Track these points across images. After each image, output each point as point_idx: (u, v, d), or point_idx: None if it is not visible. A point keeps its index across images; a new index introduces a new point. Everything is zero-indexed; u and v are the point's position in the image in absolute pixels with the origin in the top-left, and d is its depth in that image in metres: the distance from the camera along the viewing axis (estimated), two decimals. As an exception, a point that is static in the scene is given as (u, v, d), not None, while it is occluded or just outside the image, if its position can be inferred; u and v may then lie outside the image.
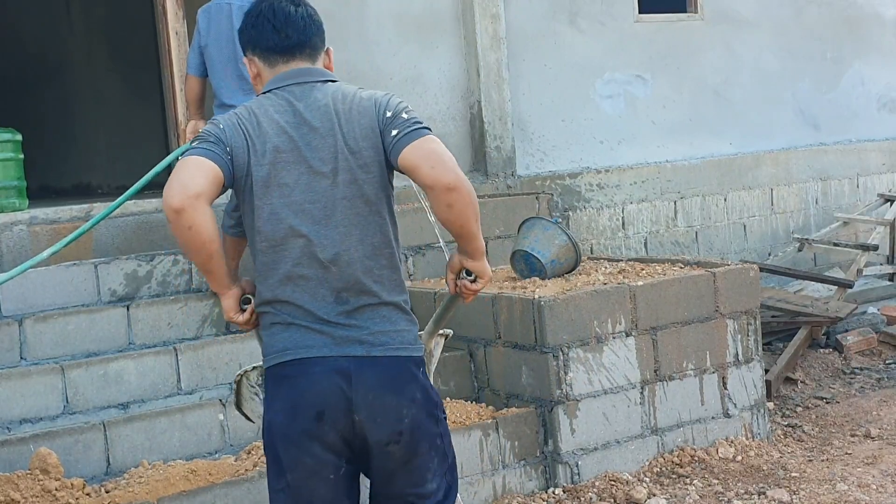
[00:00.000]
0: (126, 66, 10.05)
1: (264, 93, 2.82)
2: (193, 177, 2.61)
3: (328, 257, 2.70)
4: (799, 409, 6.21)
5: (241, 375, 3.34)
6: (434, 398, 2.84)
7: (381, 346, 2.72)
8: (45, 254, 4.60)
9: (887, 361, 7.04)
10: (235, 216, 5.49)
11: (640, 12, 8.30)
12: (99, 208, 6.08)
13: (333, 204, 2.71)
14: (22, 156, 6.32)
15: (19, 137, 6.30)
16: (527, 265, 5.45)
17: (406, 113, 2.74)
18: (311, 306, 2.71)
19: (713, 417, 5.26)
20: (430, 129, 2.74)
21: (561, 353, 4.79)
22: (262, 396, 3.37)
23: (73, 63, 10.92)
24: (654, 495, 4.69)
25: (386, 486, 2.81)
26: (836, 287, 7.61)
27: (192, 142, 2.77)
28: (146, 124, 9.35)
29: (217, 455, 4.71)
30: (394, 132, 2.70)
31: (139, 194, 5.14)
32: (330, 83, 2.81)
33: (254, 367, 3.45)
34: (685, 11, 8.67)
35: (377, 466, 2.78)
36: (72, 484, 4.20)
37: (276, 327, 2.75)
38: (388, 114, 2.74)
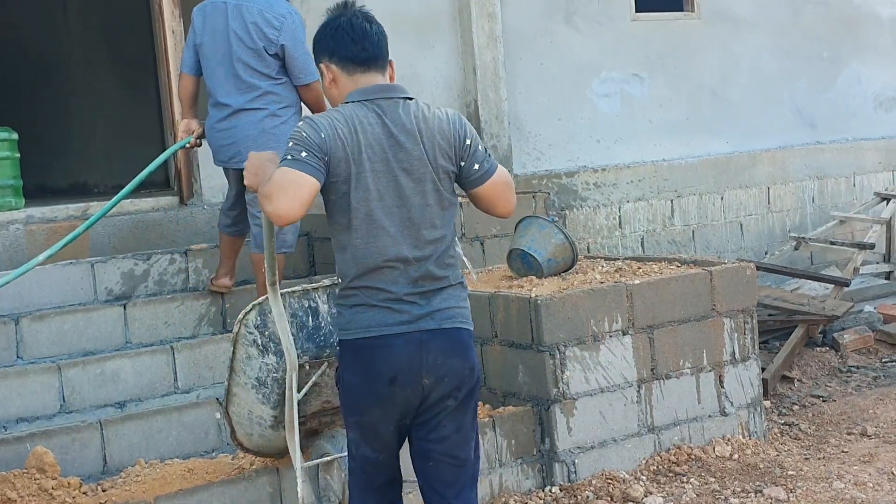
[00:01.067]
0: (123, 65, 10.03)
1: (352, 102, 3.18)
2: (299, 197, 3.00)
3: (413, 255, 3.16)
4: (796, 407, 6.22)
5: (240, 323, 3.65)
6: (480, 373, 3.35)
7: (449, 320, 3.21)
8: (42, 257, 4.59)
9: (884, 360, 7.04)
10: (232, 216, 5.54)
11: (636, 11, 8.30)
12: (95, 207, 6.10)
13: (418, 209, 3.16)
14: (18, 155, 6.32)
15: (15, 136, 6.30)
16: (523, 264, 5.45)
17: (480, 144, 3.28)
18: (394, 290, 3.16)
19: (710, 416, 5.26)
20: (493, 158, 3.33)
21: (557, 351, 4.79)
22: (260, 342, 3.70)
23: (69, 62, 10.90)
24: (651, 493, 4.70)
25: (438, 443, 3.24)
26: (833, 285, 7.62)
27: (290, 143, 3.06)
28: (143, 123, 9.33)
29: (214, 454, 4.70)
30: (476, 166, 3.24)
31: (135, 193, 5.13)
32: (409, 101, 3.21)
33: (252, 308, 3.56)
34: (682, 11, 8.67)
35: (432, 424, 3.23)
36: (68, 483, 4.20)
37: (361, 307, 3.18)
38: (468, 142, 3.24)
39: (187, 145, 5.35)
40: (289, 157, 3.03)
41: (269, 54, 5.15)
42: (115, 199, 4.92)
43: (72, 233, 4.75)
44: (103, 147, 10.42)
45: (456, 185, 3.26)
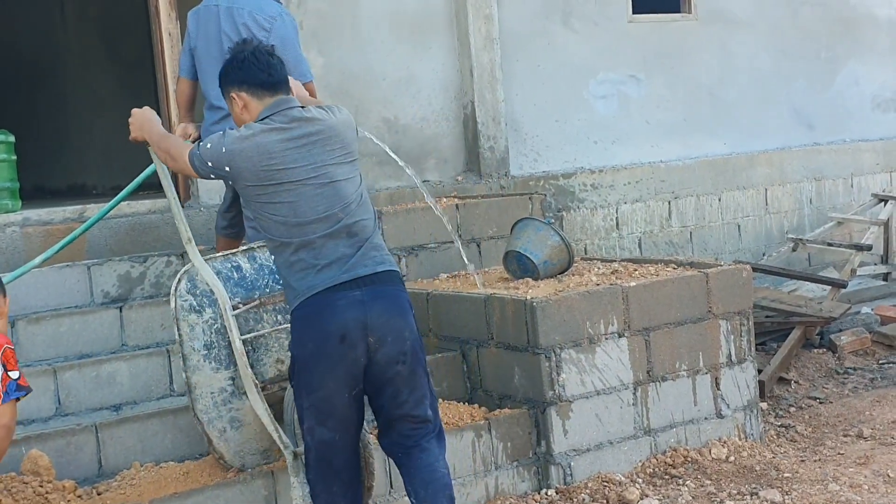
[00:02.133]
0: (120, 67, 10.04)
1: (265, 118, 3.64)
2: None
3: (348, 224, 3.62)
4: (792, 409, 6.22)
5: (174, 296, 4.00)
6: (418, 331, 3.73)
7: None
8: (38, 260, 4.59)
9: (881, 361, 7.04)
10: (228, 217, 5.53)
11: (633, 12, 8.31)
12: (92, 209, 6.09)
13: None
14: (15, 157, 6.31)
15: (12, 139, 6.29)
16: (519, 266, 5.45)
17: None
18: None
19: (706, 418, 5.26)
20: None
21: (553, 353, 4.79)
22: (195, 303, 4.00)
23: (67, 63, 10.90)
24: (647, 496, 4.69)
25: (396, 408, 3.64)
26: (830, 287, 7.62)
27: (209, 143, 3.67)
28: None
29: (209, 457, 4.68)
30: None
31: (132, 196, 5.12)
32: (303, 107, 3.71)
33: (179, 278, 4.03)
34: (679, 11, 8.67)
35: (388, 391, 3.61)
36: (63, 486, 4.19)
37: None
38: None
39: None
40: (198, 149, 3.65)
41: None
42: (111, 203, 4.91)
43: (68, 236, 4.74)
44: (101, 148, 10.43)
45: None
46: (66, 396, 4.92)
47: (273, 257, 3.71)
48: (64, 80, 10.90)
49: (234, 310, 3.92)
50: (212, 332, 4.01)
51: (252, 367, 3.92)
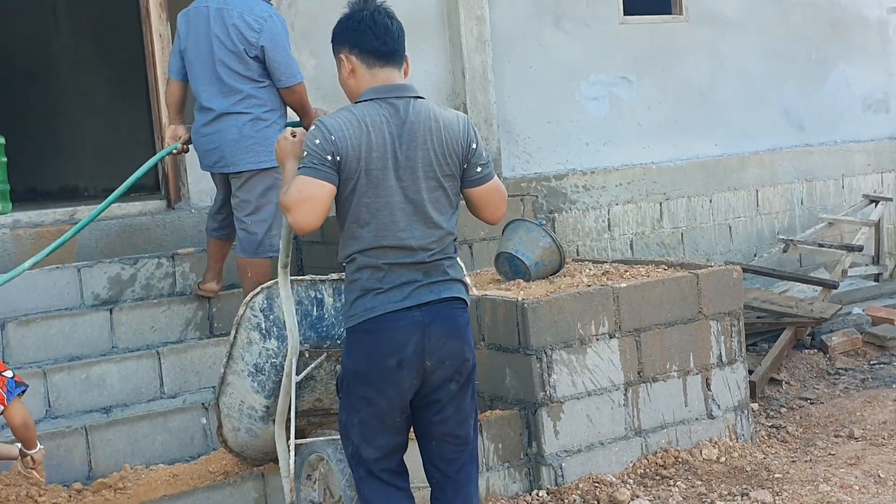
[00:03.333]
0: (112, 68, 10.02)
1: (365, 101, 3.30)
2: (315, 209, 3.20)
3: (419, 246, 3.31)
4: (783, 409, 6.23)
5: (246, 305, 3.77)
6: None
7: (448, 290, 3.38)
8: (28, 264, 4.58)
9: (872, 362, 7.05)
10: (219, 219, 5.53)
11: (624, 14, 8.31)
12: (83, 211, 6.08)
13: (424, 206, 3.30)
14: (5, 159, 6.30)
15: (2, 140, 6.29)
16: (511, 267, 5.45)
17: (484, 148, 3.45)
18: (399, 281, 3.32)
19: (697, 419, 5.26)
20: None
21: (544, 355, 4.79)
22: (264, 326, 3.82)
23: (59, 65, 10.88)
24: (638, 497, 4.69)
25: (439, 424, 3.43)
26: (822, 288, 7.64)
27: (305, 152, 3.23)
28: (132, 126, 9.32)
29: (199, 459, 4.69)
30: (478, 168, 3.40)
31: (122, 197, 5.13)
32: (421, 100, 3.35)
33: (260, 290, 3.80)
34: (670, 13, 8.68)
35: (435, 408, 3.41)
36: (53, 489, 4.19)
37: (366, 293, 3.32)
38: (474, 145, 3.39)
39: (174, 151, 5.34)
40: (307, 165, 3.20)
41: (250, 57, 5.13)
42: (101, 205, 4.92)
43: (58, 240, 4.75)
44: (93, 150, 10.41)
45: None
46: (57, 399, 4.92)
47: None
48: (56, 82, 10.87)
49: (299, 357, 3.70)
50: (267, 362, 3.84)
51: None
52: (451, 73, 7.46)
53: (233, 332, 3.89)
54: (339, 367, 3.79)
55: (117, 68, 9.79)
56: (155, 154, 6.48)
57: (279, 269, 3.63)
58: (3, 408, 3.54)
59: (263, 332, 3.82)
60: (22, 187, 10.36)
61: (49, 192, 10.38)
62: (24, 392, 3.60)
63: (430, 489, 3.55)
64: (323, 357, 3.80)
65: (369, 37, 3.32)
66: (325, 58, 6.92)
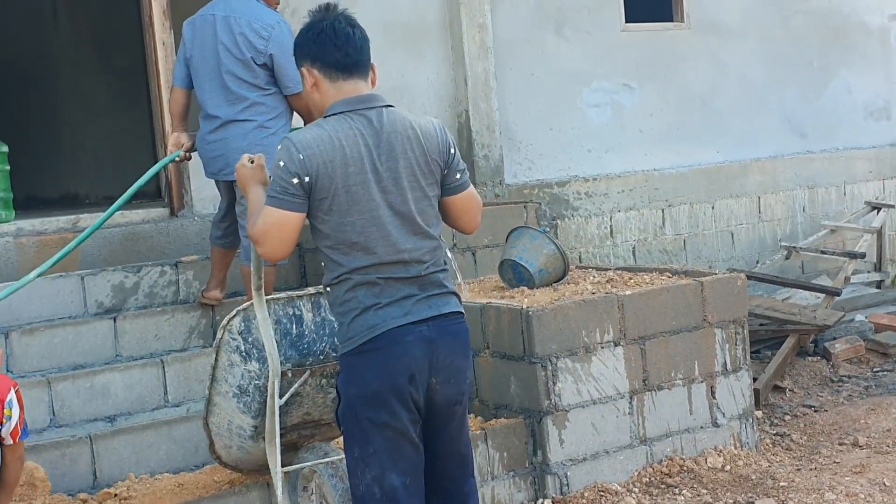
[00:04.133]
0: (113, 75, 10.01)
1: (335, 114, 3.17)
2: (284, 239, 3.13)
3: (411, 258, 3.21)
4: (787, 417, 6.22)
5: (224, 329, 3.68)
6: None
7: (446, 306, 3.29)
8: (33, 275, 4.56)
9: (875, 369, 7.04)
10: (223, 227, 5.51)
11: (626, 21, 8.32)
12: (86, 219, 6.07)
13: (410, 216, 3.20)
14: (8, 167, 6.29)
15: (5, 149, 6.27)
16: (515, 275, 5.44)
17: (459, 155, 3.35)
18: (394, 294, 3.20)
19: (702, 427, 5.26)
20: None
21: (549, 363, 4.78)
22: (243, 348, 3.74)
23: (60, 72, 10.87)
24: (643, 505, 4.69)
25: (446, 444, 3.33)
26: (824, 295, 7.63)
27: (271, 176, 3.14)
28: (134, 134, 9.31)
29: (205, 468, 4.67)
30: (457, 175, 3.31)
31: (125, 205, 5.11)
32: (392, 108, 3.24)
33: (236, 313, 3.72)
34: (672, 21, 8.69)
35: (442, 431, 3.30)
36: (59, 498, 4.18)
37: (363, 311, 3.18)
38: (452, 151, 3.30)
39: (177, 159, 5.34)
40: (272, 195, 3.10)
41: (258, 64, 5.13)
42: (104, 214, 4.91)
43: (62, 249, 4.73)
44: (95, 158, 10.40)
45: None
46: (61, 408, 4.91)
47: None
48: (57, 90, 10.87)
49: (281, 376, 3.63)
50: (250, 384, 3.77)
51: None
52: (453, 81, 7.46)
53: (213, 355, 3.84)
54: (324, 380, 3.78)
55: (119, 76, 9.79)
56: (157, 161, 6.52)
57: (253, 291, 3.57)
58: (11, 442, 3.57)
59: (243, 354, 3.75)
60: (23, 195, 10.39)
61: (50, 199, 10.37)
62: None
63: None
64: (307, 375, 3.75)
65: (330, 48, 3.18)
66: (328, 65, 6.97)
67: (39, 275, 4.59)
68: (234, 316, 3.76)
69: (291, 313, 3.75)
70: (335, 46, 3.18)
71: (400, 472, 3.18)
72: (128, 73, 9.16)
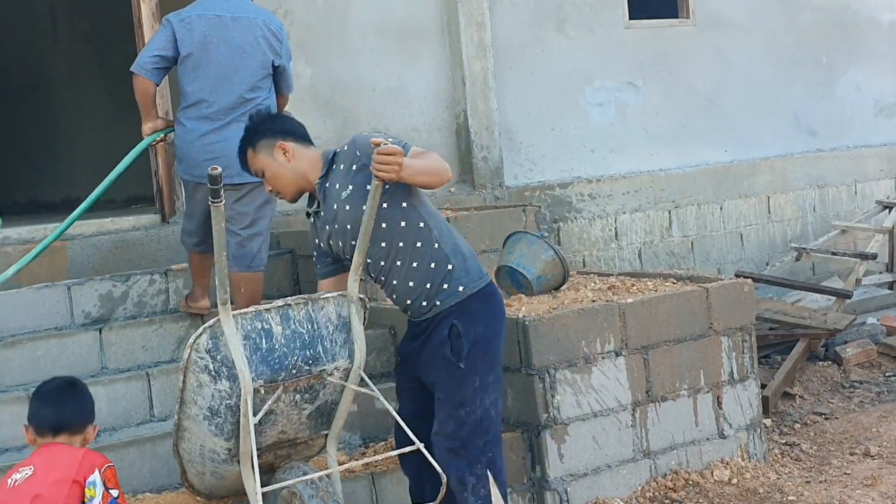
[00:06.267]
0: (110, 79, 9.90)
1: None
2: None
3: None
4: (797, 425, 6.03)
5: (191, 348, 3.54)
6: None
7: None
8: (10, 271, 4.45)
9: (887, 374, 6.85)
10: (200, 234, 5.31)
11: (630, 18, 8.14)
12: (76, 225, 5.91)
13: None
14: (-7, 175, 6.15)
15: (-9, 156, 6.14)
16: (512, 281, 5.27)
17: None
18: None
19: (708, 438, 5.07)
20: None
21: (547, 374, 4.61)
22: (212, 367, 3.54)
23: (59, 76, 10.78)
24: (647, 522, 4.52)
25: None
26: (835, 297, 7.44)
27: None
28: (132, 137, 9.18)
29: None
30: None
31: (116, 212, 4.98)
32: None
33: (203, 331, 3.53)
34: (677, 17, 8.50)
35: None
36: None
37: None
38: None
39: (155, 141, 5.19)
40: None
41: (273, 66, 5.09)
42: (81, 206, 4.87)
43: (37, 246, 4.64)
44: (92, 162, 10.27)
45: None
46: (42, 424, 4.73)
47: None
48: (57, 93, 10.77)
49: (254, 394, 3.51)
50: (221, 404, 3.59)
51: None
52: (450, 81, 7.28)
53: (181, 377, 3.64)
54: (298, 395, 3.63)
55: (115, 79, 9.65)
56: (151, 163, 6.39)
57: (219, 306, 3.43)
58: None
59: (213, 373, 3.54)
60: (25, 199, 10.30)
61: (52, 203, 10.26)
62: None
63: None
64: (280, 391, 3.58)
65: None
66: (322, 67, 6.83)
67: (16, 272, 4.47)
68: (201, 334, 3.55)
69: (260, 327, 3.56)
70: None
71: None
72: (126, 76, 9.01)
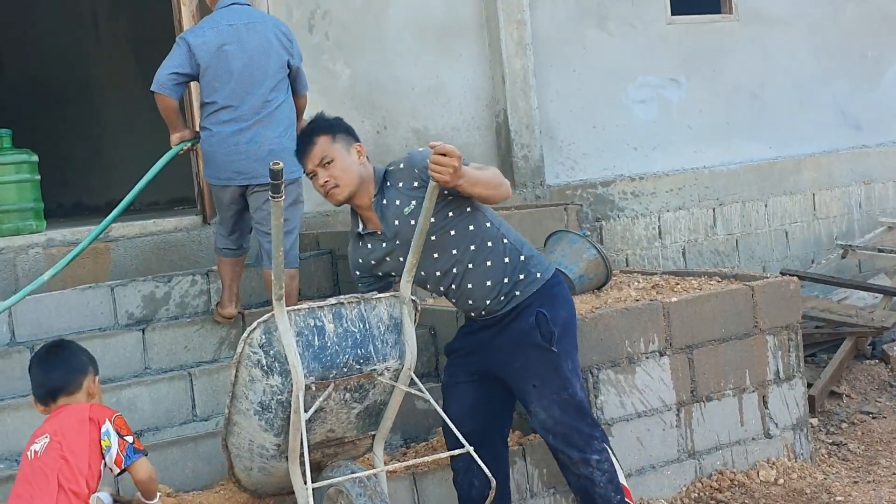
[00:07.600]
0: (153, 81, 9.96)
1: None
2: None
3: None
4: (844, 425, 5.93)
5: (244, 342, 3.54)
6: None
7: None
8: (47, 276, 4.50)
9: (937, 372, 6.73)
10: (233, 239, 5.35)
11: (672, 14, 8.06)
12: (116, 227, 5.96)
13: None
14: (38, 177, 6.21)
15: (35, 158, 6.19)
16: (555, 281, 5.22)
17: None
18: None
19: (753, 438, 5.00)
20: None
21: (591, 375, 4.56)
22: (265, 362, 3.54)
23: (101, 78, 10.87)
24: (692, 523, 4.46)
25: None
26: (882, 295, 7.33)
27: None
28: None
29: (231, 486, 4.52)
30: None
31: (158, 213, 5.00)
32: None
33: (257, 325, 3.54)
34: (719, 12, 8.42)
35: None
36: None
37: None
38: None
39: (183, 150, 5.24)
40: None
41: (289, 67, 5.16)
42: (114, 212, 4.92)
43: (66, 256, 4.73)
44: (134, 164, 10.35)
45: None
46: (87, 424, 4.77)
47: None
48: (99, 96, 10.87)
49: (305, 390, 3.49)
50: (272, 399, 3.59)
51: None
52: (490, 79, 7.25)
53: (233, 371, 3.64)
54: (348, 394, 3.63)
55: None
56: (192, 165, 6.42)
57: (274, 301, 3.44)
58: (119, 470, 3.61)
59: (265, 368, 3.55)
60: (71, 202, 10.40)
61: (96, 206, 10.36)
62: (144, 457, 3.68)
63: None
64: (331, 389, 3.57)
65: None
66: (360, 67, 6.82)
67: (53, 276, 4.59)
68: (255, 328, 3.56)
69: (313, 324, 3.56)
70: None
71: None
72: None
